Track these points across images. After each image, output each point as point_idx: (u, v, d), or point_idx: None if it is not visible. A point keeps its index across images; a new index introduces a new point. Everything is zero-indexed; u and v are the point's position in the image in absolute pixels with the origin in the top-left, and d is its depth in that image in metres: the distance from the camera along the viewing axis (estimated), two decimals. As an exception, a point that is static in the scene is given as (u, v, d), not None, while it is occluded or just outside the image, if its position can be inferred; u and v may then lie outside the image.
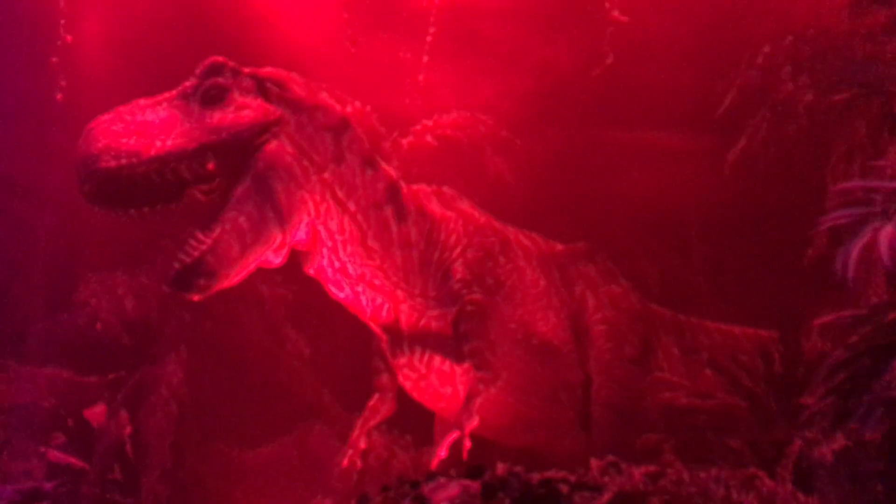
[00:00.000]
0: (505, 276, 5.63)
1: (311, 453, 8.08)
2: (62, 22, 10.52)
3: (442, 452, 4.96)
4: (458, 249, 5.41)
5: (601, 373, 5.83)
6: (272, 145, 4.54)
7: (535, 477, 2.93)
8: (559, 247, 6.45)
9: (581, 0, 7.70)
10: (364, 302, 5.18)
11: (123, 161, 4.09)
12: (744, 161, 5.97)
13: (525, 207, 7.92)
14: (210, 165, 4.33)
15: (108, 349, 9.02)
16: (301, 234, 4.78)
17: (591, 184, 7.86)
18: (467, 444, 4.91)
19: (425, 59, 9.78)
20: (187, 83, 4.46)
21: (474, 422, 4.98)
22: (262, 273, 8.32)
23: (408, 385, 5.51)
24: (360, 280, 5.07)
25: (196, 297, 4.37)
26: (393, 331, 5.31)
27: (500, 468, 3.03)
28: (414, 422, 7.23)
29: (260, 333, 8.14)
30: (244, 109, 4.48)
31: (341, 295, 5.15)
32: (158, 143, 4.18)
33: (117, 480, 7.67)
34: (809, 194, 5.31)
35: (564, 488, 2.88)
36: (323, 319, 8.14)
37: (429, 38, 9.78)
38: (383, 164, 5.25)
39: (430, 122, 9.20)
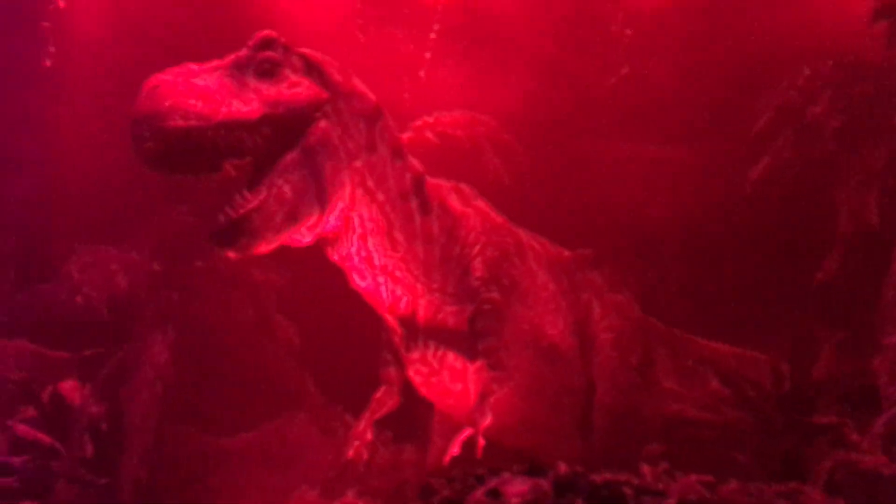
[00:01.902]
0: (519, 278, 5.64)
1: (291, 442, 7.99)
2: (56, -15, 10.24)
3: (455, 449, 4.95)
4: (478, 247, 5.39)
5: (606, 380, 5.87)
6: (323, 123, 4.50)
7: (599, 478, 2.93)
8: (566, 252, 6.48)
9: (596, 8, 7.78)
10: (384, 293, 5.13)
11: (192, 122, 3.97)
12: (765, 179, 6.08)
13: (522, 211, 7.97)
14: (266, 137, 4.26)
15: (85, 324, 8.79)
16: (334, 219, 4.71)
17: (594, 193, 7.92)
18: (481, 441, 4.91)
19: (428, 55, 9.77)
20: (240, 53, 4.35)
21: (488, 420, 4.98)
22: (256, 258, 8.27)
23: (417, 380, 5.48)
24: (383, 271, 5.03)
25: (234, 255, 4.28)
26: (409, 324, 5.27)
27: (562, 467, 3.03)
28: (394, 418, 7.22)
29: (249, 318, 8.02)
30: (297, 86, 4.42)
31: (362, 284, 5.09)
32: (224, 109, 4.07)
33: (93, 460, 7.46)
34: (824, 217, 5.43)
35: (629, 491, 2.88)
36: (313, 309, 8.07)
37: (432, 35, 9.78)
38: (410, 156, 5.21)
39: (430, 119, 9.18)
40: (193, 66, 4.16)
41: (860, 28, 5.66)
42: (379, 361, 5.65)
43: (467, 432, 5.00)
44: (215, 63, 4.26)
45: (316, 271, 7.48)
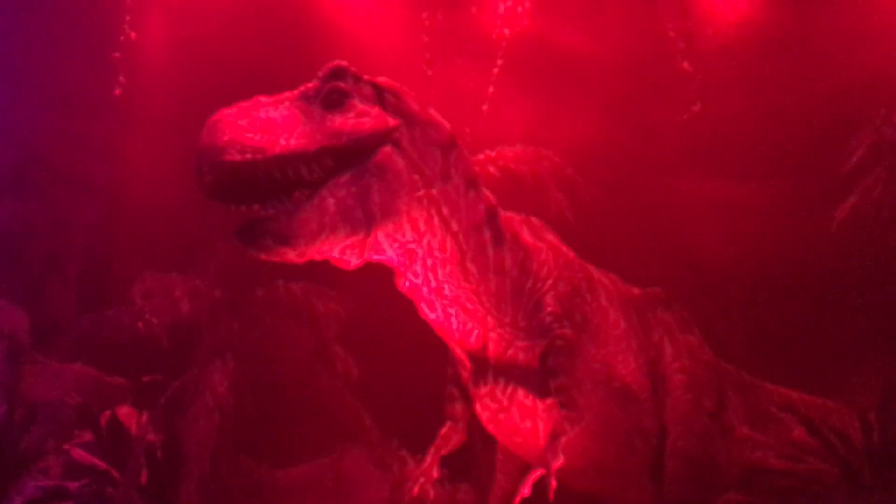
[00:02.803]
0: (591, 314, 5.48)
1: (346, 477, 7.86)
2: (127, 18, 10.51)
3: (525, 490, 4.77)
4: (550, 281, 5.25)
5: (679, 423, 5.64)
6: (387, 149, 4.41)
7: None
8: (636, 290, 6.30)
9: (667, 45, 7.68)
10: (454, 325, 5.01)
11: (248, 156, 3.95)
12: (853, 218, 5.85)
13: (584, 248, 7.83)
14: (327, 168, 4.19)
15: (146, 351, 8.84)
16: (395, 247, 4.60)
17: (659, 231, 7.75)
18: (553, 483, 4.72)
19: (492, 89, 9.75)
20: (309, 85, 4.32)
21: (560, 460, 4.79)
22: (318, 290, 8.24)
23: (485, 416, 5.32)
24: (454, 302, 4.91)
25: (261, 256, 4.16)
26: (479, 358, 5.13)
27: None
28: (450, 456, 7.06)
29: (308, 350, 7.96)
30: (364, 116, 4.34)
31: (432, 316, 4.98)
32: (282, 142, 4.04)
33: (148, 487, 7.41)
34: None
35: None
36: (373, 342, 7.98)
37: (495, 70, 9.77)
38: (483, 187, 5.11)
39: (492, 153, 9.12)
40: (263, 99, 4.13)
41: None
42: (444, 396, 5.50)
43: (538, 473, 4.80)
44: (285, 95, 4.22)
45: (378, 303, 7.41)
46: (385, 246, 4.59)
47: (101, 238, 9.84)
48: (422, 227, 4.62)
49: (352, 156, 4.28)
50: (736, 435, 5.72)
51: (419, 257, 4.73)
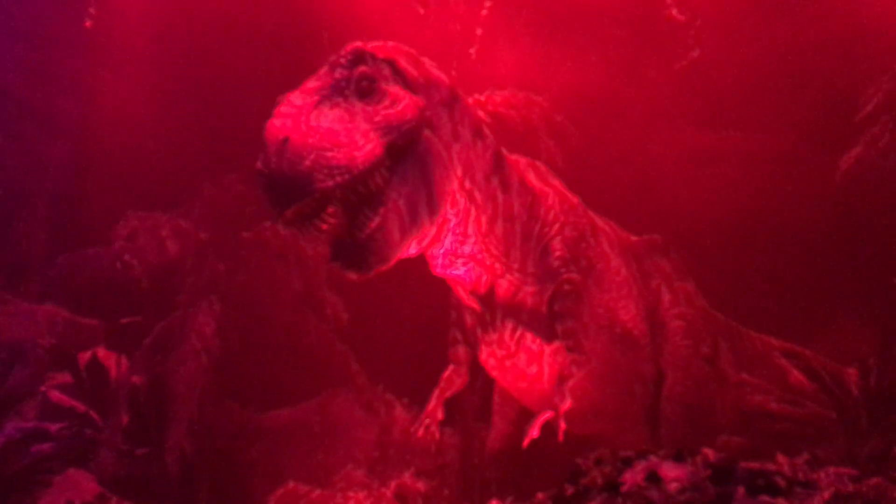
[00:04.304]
0: (595, 260, 5.47)
1: (332, 420, 7.83)
2: (98, -52, 10.03)
3: (535, 432, 4.79)
4: (557, 226, 5.21)
5: (677, 369, 5.71)
6: (427, 133, 4.29)
7: (753, 466, 2.78)
8: (633, 237, 6.31)
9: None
10: (464, 274, 4.96)
11: (338, 179, 3.77)
12: (856, 169, 5.87)
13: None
14: (388, 166, 4.05)
15: (123, 292, 8.64)
16: (438, 225, 4.53)
17: (651, 181, 7.73)
18: (563, 425, 4.75)
19: (479, 31, 9.55)
20: (336, 75, 4.06)
21: (568, 403, 4.81)
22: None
23: (491, 362, 5.31)
24: (470, 257, 4.85)
25: (359, 278, 4.07)
26: (488, 304, 5.10)
27: (710, 454, 2.87)
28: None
29: (295, 293, 7.85)
30: (398, 102, 4.15)
31: (443, 270, 4.92)
32: (357, 154, 3.85)
33: (134, 430, 7.31)
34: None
35: (781, 481, 2.73)
36: (365, 285, 7.88)
37: (484, 12, 9.57)
38: (486, 131, 5.00)
39: (481, 97, 8.97)
40: (296, 100, 3.90)
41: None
42: (448, 340, 5.47)
43: (547, 415, 4.82)
44: (313, 85, 3.99)
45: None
46: (434, 228, 4.51)
47: (73, 177, 9.51)
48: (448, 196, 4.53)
49: (403, 147, 4.15)
50: (734, 380, 5.80)
51: (449, 226, 4.65)
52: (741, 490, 2.60)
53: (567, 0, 8.23)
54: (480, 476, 6.43)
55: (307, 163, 3.73)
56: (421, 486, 6.87)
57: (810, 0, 6.64)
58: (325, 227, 4.04)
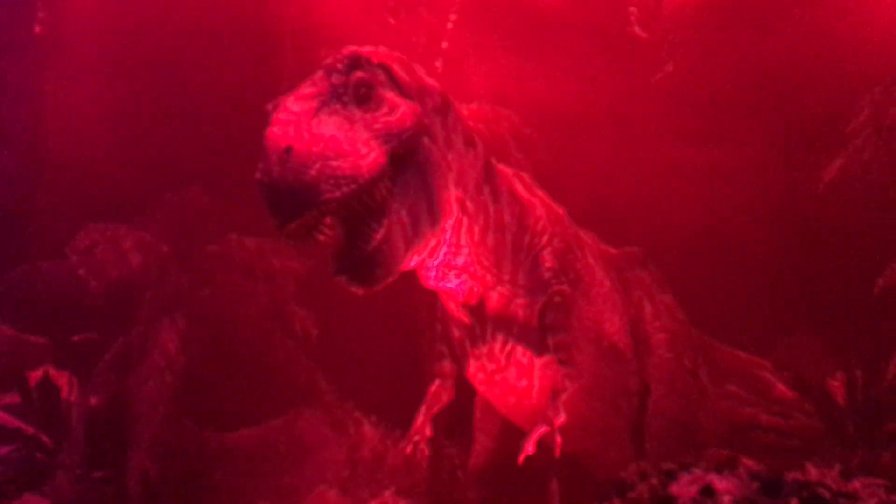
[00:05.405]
0: (582, 272, 5.40)
1: (300, 439, 7.58)
2: (47, -50, 9.70)
3: (530, 447, 4.66)
4: (546, 237, 5.12)
5: (662, 383, 5.67)
6: (425, 141, 4.15)
7: (799, 477, 2.71)
8: (613, 250, 6.28)
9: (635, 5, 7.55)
10: (456, 286, 4.83)
11: (345, 189, 3.61)
12: (839, 180, 5.93)
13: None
14: (390, 175, 3.90)
15: (75, 308, 8.28)
16: (438, 236, 4.39)
17: (624, 196, 7.72)
18: (559, 439, 4.64)
19: (444, 44, 9.49)
20: (333, 80, 3.89)
21: (562, 417, 4.71)
22: (274, 245, 7.85)
23: (480, 376, 5.18)
24: (462, 270, 4.72)
25: (366, 291, 3.90)
26: (478, 317, 4.97)
27: (752, 464, 2.79)
28: (405, 416, 6.89)
29: (262, 308, 7.59)
30: (396, 109, 4.00)
31: (435, 283, 4.78)
32: (362, 163, 3.70)
33: (92, 453, 6.94)
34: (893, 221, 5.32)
35: (826, 493, 2.67)
36: (334, 300, 7.68)
37: (449, 25, 9.51)
38: (476, 139, 4.89)
39: (449, 111, 8.86)
40: (294, 106, 3.72)
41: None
42: (433, 354, 5.33)
43: (542, 430, 4.70)
44: (309, 91, 3.82)
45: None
46: (435, 238, 4.39)
47: (23, 188, 9.10)
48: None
49: (403, 156, 4.01)
50: (722, 392, 5.79)
51: (445, 237, 4.52)
52: (795, 502, 2.52)
53: (537, 13, 8.20)
54: (461, 493, 6.28)
55: (312, 172, 3.56)
56: (401, 504, 6.69)
57: (781, 15, 6.74)
58: (322, 238, 3.87)
